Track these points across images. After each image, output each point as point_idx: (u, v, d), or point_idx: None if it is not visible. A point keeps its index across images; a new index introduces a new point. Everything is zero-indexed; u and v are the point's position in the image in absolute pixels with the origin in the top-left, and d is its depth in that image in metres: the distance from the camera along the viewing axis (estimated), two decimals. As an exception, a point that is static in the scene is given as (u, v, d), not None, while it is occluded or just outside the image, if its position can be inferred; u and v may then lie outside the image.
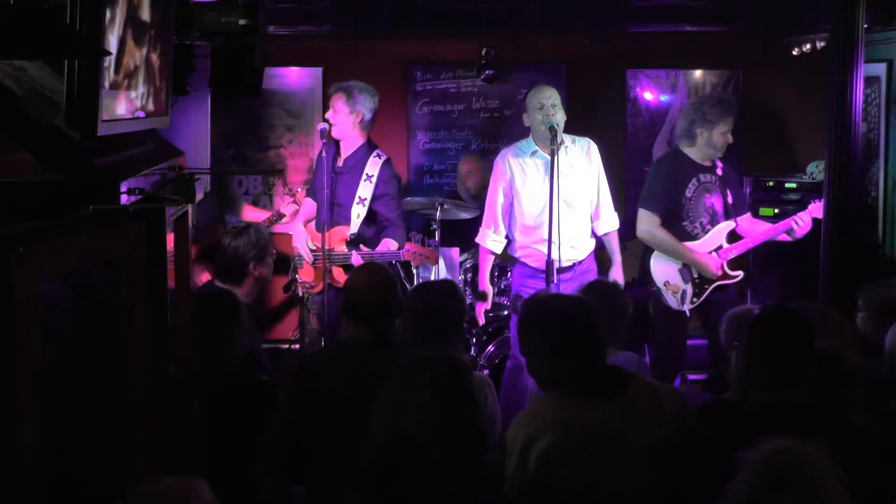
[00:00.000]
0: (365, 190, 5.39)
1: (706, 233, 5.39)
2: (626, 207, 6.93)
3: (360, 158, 5.47)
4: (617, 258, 5.35)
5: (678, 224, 5.36)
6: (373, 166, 5.43)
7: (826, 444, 2.27)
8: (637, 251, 6.41)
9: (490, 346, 5.83)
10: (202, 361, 3.50)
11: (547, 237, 4.88)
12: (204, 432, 3.35)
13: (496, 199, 5.32)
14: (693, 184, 5.36)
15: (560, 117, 5.08)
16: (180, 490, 2.14)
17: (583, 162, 5.22)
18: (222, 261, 4.51)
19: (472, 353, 5.89)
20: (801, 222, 5.29)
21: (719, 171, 5.43)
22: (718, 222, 5.40)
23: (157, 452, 2.82)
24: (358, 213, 5.40)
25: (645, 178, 5.69)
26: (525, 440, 2.81)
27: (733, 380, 3.24)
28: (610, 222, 5.36)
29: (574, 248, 5.17)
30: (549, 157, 5.02)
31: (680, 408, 2.93)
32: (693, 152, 5.41)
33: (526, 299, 3.18)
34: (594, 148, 5.30)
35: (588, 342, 2.94)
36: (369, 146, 5.52)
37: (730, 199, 5.42)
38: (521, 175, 5.24)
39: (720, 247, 5.37)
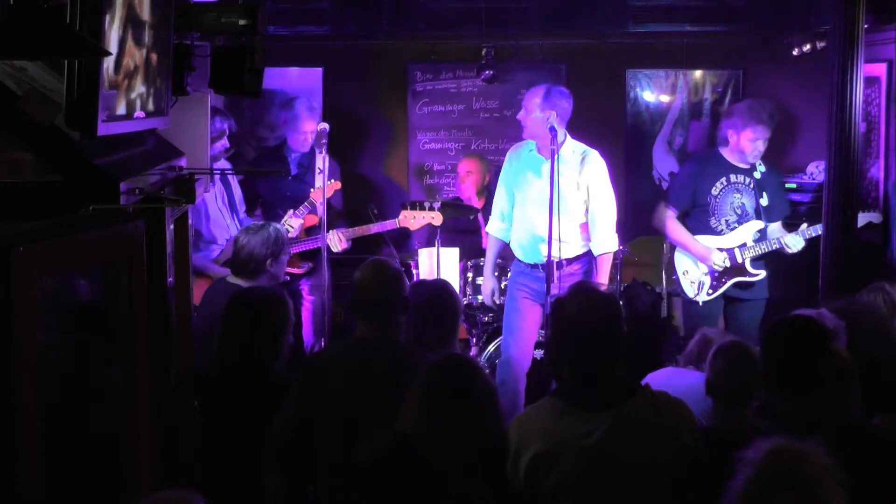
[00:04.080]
0: (321, 181, 5.73)
1: (731, 230, 5.51)
2: (626, 208, 6.94)
3: (310, 157, 5.94)
4: (601, 279, 5.19)
5: (705, 219, 5.55)
6: (321, 161, 5.83)
7: (825, 444, 2.27)
8: (638, 252, 6.42)
9: (490, 346, 5.83)
10: (254, 358, 3.54)
11: (536, 234, 5.13)
12: (254, 425, 3.35)
13: (499, 190, 5.49)
14: (721, 183, 5.52)
15: (534, 119, 5.12)
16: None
17: (575, 169, 5.19)
18: (239, 256, 4.51)
19: (473, 353, 5.89)
20: (791, 244, 5.39)
21: (757, 174, 5.52)
22: (747, 221, 5.52)
23: (157, 453, 2.82)
24: (319, 200, 5.70)
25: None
26: (516, 446, 2.80)
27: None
28: (604, 244, 5.20)
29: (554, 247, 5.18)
30: (544, 159, 5.13)
31: (684, 425, 2.85)
32: (727, 153, 5.56)
33: (560, 296, 3.03)
34: (596, 161, 5.22)
35: (591, 352, 2.83)
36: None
37: (766, 202, 5.51)
38: (516, 171, 5.35)
39: (744, 244, 5.47)
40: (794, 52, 6.52)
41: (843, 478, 2.17)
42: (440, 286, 3.82)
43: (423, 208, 5.70)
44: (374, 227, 5.80)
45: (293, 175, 5.86)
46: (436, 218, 5.70)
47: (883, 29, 5.80)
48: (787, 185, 6.38)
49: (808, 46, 6.39)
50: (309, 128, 5.89)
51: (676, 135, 7.10)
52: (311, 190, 5.79)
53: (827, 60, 4.81)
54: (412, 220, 5.69)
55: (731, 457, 2.31)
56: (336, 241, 5.68)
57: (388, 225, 5.79)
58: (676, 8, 6.53)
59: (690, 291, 5.56)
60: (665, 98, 7.10)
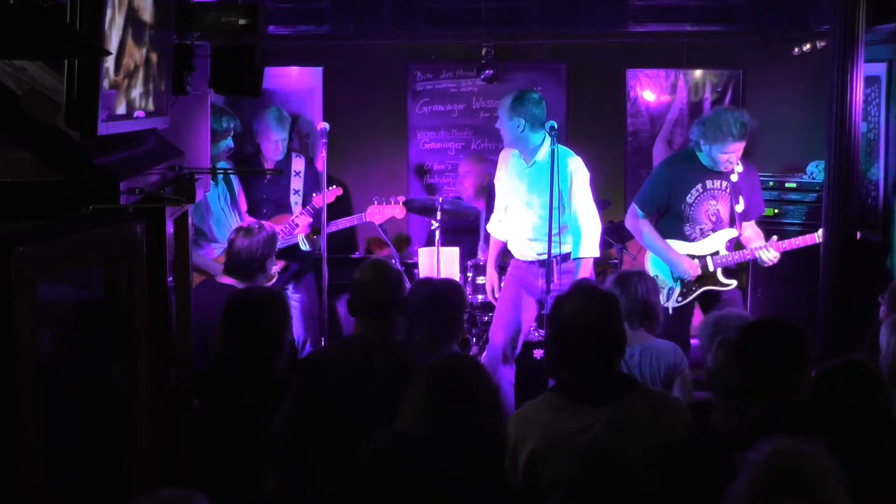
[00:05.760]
0: (297, 183, 6.00)
1: (705, 237, 5.34)
2: (625, 208, 6.93)
3: (285, 160, 6.01)
4: None
5: (679, 225, 5.34)
6: (298, 164, 6.04)
7: (825, 444, 2.26)
8: (637, 252, 6.43)
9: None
10: (255, 357, 3.54)
11: (523, 233, 5.22)
12: (255, 425, 3.35)
13: (496, 192, 5.53)
14: (697, 189, 5.29)
15: (506, 127, 5.11)
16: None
17: (547, 173, 5.18)
18: (239, 257, 4.52)
19: (473, 352, 5.90)
20: (767, 258, 5.28)
21: (734, 177, 5.28)
22: (721, 228, 5.35)
23: (157, 453, 2.82)
24: (295, 201, 5.97)
25: (644, 177, 5.68)
26: (514, 441, 2.81)
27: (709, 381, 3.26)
28: (583, 249, 5.17)
29: (537, 244, 5.20)
30: (524, 163, 5.23)
31: (679, 421, 2.85)
32: (703, 157, 5.30)
33: (559, 294, 3.04)
34: (572, 164, 5.18)
35: (590, 348, 2.83)
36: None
37: (741, 208, 5.30)
38: (503, 173, 5.39)
39: (717, 252, 5.33)
40: (794, 52, 6.52)
41: (845, 478, 2.16)
42: (447, 284, 3.83)
43: (388, 202, 5.99)
44: (343, 222, 6.02)
45: (268, 179, 5.99)
46: (399, 211, 5.99)
47: (883, 29, 5.80)
48: (787, 185, 6.39)
49: (808, 46, 6.39)
50: (279, 136, 5.92)
51: (676, 134, 7.11)
52: (313, 195, 5.85)
53: (827, 60, 4.80)
54: (377, 214, 5.96)
55: (730, 455, 2.31)
56: (304, 239, 5.84)
57: (355, 219, 6.05)
58: (676, 8, 6.54)
59: (661, 298, 5.44)
60: (665, 98, 7.11)
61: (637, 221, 5.42)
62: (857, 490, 2.23)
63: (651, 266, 5.47)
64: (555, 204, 4.81)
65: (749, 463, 2.17)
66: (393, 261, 5.98)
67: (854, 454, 2.55)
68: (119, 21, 2.50)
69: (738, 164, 5.27)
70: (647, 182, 5.53)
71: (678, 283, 5.35)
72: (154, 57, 2.92)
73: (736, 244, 5.40)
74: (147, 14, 2.79)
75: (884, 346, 3.44)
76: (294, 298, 5.87)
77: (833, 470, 2.16)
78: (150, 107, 2.95)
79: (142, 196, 2.64)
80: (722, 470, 2.31)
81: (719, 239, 5.35)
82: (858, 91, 4.64)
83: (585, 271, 5.14)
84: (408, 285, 3.60)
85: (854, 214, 4.79)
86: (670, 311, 5.32)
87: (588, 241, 5.16)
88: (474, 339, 6.03)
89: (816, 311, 4.88)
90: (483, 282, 5.88)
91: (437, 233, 5.94)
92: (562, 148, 5.20)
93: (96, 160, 2.41)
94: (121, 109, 2.63)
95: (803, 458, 2.15)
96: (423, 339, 3.56)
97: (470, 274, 6.03)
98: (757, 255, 5.29)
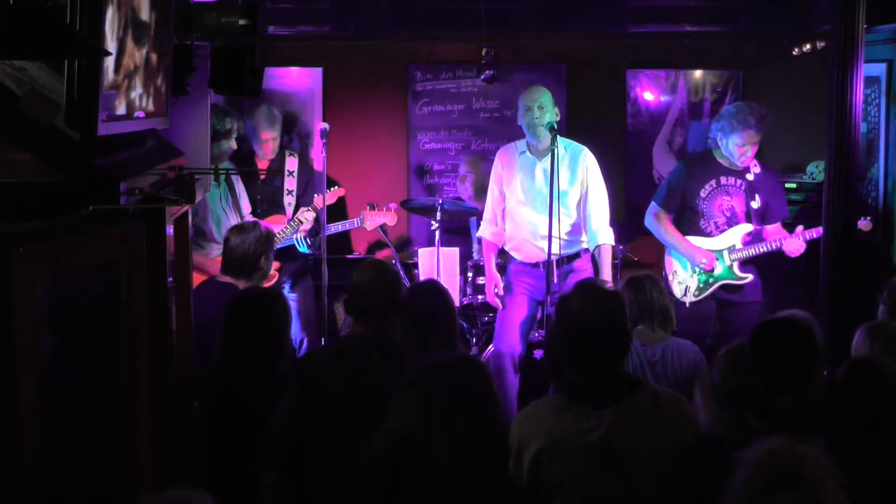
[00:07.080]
0: (290, 183, 6.09)
1: (721, 232, 5.50)
2: (626, 208, 6.94)
3: (279, 159, 6.13)
4: (605, 271, 5.23)
5: (695, 220, 5.55)
6: (291, 163, 6.13)
7: (823, 443, 2.26)
8: (637, 252, 6.43)
9: (490, 346, 5.83)
10: (258, 357, 3.55)
11: (536, 234, 5.17)
12: (256, 426, 3.35)
13: (491, 193, 5.49)
14: (710, 185, 5.51)
15: (548, 118, 5.09)
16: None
17: (570, 167, 5.21)
18: (233, 255, 4.54)
19: (473, 351, 5.89)
20: (792, 248, 5.39)
21: (750, 176, 5.51)
22: (737, 224, 5.50)
23: (157, 453, 2.82)
24: (289, 202, 6.04)
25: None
26: (519, 443, 2.80)
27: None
28: (602, 236, 5.27)
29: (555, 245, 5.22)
30: (536, 159, 5.22)
31: (686, 421, 2.86)
32: (719, 155, 5.55)
33: (564, 293, 3.04)
34: (588, 158, 5.27)
35: (596, 348, 2.84)
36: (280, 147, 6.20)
37: (757, 205, 5.49)
38: (508, 172, 5.36)
39: (732, 247, 5.46)
40: (794, 52, 6.52)
41: (842, 477, 2.16)
42: (432, 290, 3.82)
43: (381, 209, 6.12)
44: (338, 226, 6.09)
45: (262, 179, 6.05)
46: (391, 218, 6.11)
47: (882, 29, 5.80)
48: (787, 185, 6.38)
49: (808, 46, 6.39)
50: (269, 135, 5.94)
51: (676, 135, 7.10)
52: (315, 196, 5.86)
53: (827, 60, 4.80)
54: (369, 220, 6.09)
55: (730, 459, 2.30)
56: (302, 240, 5.92)
57: (349, 224, 6.14)
58: (676, 8, 6.53)
59: (678, 292, 5.56)
60: (665, 98, 7.10)
61: (655, 219, 5.60)
62: (857, 490, 2.23)
63: (669, 261, 5.65)
64: (555, 203, 4.82)
65: (744, 462, 2.17)
66: (393, 261, 5.99)
67: (857, 454, 2.56)
68: (119, 21, 2.50)
69: (754, 161, 5.49)
70: (664, 180, 5.78)
71: (696, 275, 5.46)
72: (154, 57, 2.93)
73: (755, 238, 5.54)
74: (147, 14, 2.80)
75: (855, 350, 3.43)
76: (290, 298, 5.88)
77: (829, 469, 2.15)
78: (150, 107, 2.96)
79: (142, 196, 2.64)
80: (725, 471, 2.31)
81: (735, 234, 5.52)
82: (858, 91, 4.64)
83: (607, 257, 5.25)
84: (406, 284, 3.61)
85: (854, 214, 4.79)
86: (687, 306, 5.45)
87: (606, 229, 5.28)
88: (474, 339, 6.03)
89: (816, 311, 4.87)
90: (484, 282, 5.88)
91: (437, 233, 5.94)
92: (570, 141, 5.24)
93: (96, 160, 2.41)
94: (121, 110, 2.63)
95: (799, 456, 2.15)
96: (427, 349, 3.55)
97: (470, 274, 6.02)
98: (783, 246, 5.40)
